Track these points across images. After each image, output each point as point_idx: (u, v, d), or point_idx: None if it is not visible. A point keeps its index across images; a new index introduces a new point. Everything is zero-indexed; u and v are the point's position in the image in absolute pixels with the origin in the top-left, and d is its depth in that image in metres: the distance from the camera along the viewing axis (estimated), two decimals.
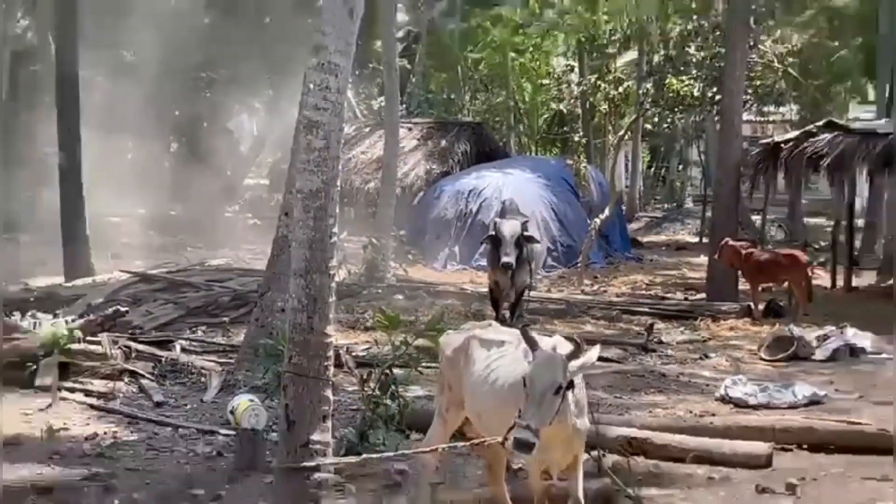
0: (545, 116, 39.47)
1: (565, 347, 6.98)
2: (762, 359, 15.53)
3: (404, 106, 33.92)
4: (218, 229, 29.90)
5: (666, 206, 45.11)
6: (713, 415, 11.67)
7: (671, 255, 30.80)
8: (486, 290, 17.60)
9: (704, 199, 35.48)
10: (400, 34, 35.47)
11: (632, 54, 33.19)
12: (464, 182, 28.13)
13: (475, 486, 8.81)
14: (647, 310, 19.44)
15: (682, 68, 28.71)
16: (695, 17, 28.54)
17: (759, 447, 9.97)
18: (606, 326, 18.25)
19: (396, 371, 10.47)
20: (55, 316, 14.12)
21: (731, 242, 19.29)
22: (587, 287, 23.46)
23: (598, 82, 31.86)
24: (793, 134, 22.60)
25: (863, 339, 15.96)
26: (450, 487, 8.93)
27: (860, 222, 29.08)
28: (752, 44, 25.26)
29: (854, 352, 15.65)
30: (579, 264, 25.48)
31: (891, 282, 23.66)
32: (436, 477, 9.36)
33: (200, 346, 15.22)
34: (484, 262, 19.98)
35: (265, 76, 33.97)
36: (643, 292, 23.03)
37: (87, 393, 12.63)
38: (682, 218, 40.23)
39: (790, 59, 30.79)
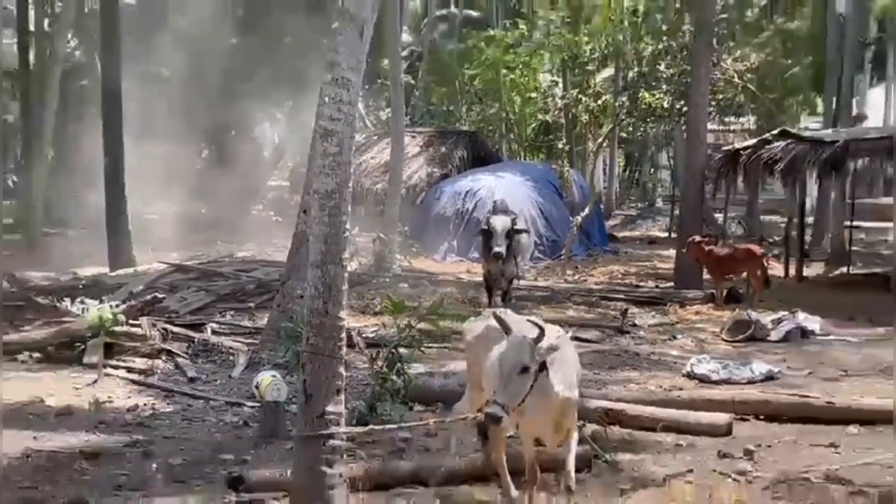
0: (533, 126, 39.33)
1: (551, 332, 6.99)
2: (723, 340, 15.52)
3: (408, 116, 33.84)
4: (244, 225, 29.87)
5: (639, 205, 45.00)
6: (680, 389, 11.65)
7: (644, 248, 30.77)
8: (480, 279, 17.61)
9: (673, 198, 35.45)
10: (404, 53, 35.43)
11: (609, 71, 33.08)
12: (461, 184, 28.11)
13: (472, 452, 8.81)
14: (622, 297, 19.42)
15: (653, 83, 28.69)
16: (665, 38, 28.47)
17: (721, 417, 9.97)
18: (587, 311, 18.24)
19: (402, 350, 10.49)
20: (101, 302, 14.13)
21: (696, 240, 19.28)
22: (570, 277, 23.45)
23: (580, 96, 31.80)
24: (751, 142, 22.57)
25: (812, 322, 15.97)
26: (450, 453, 8.94)
27: (810, 219, 29.07)
28: (715, 62, 25.21)
29: (805, 334, 15.65)
30: (563, 256, 25.48)
31: (836, 272, 23.71)
32: (438, 443, 9.41)
33: (229, 329, 15.24)
34: (478, 255, 19.97)
35: (285, 89, 33.88)
36: (619, 281, 23.01)
37: (129, 370, 12.65)
38: (654, 216, 40.14)
39: (749, 76, 30.71)
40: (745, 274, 19.34)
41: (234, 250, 24.05)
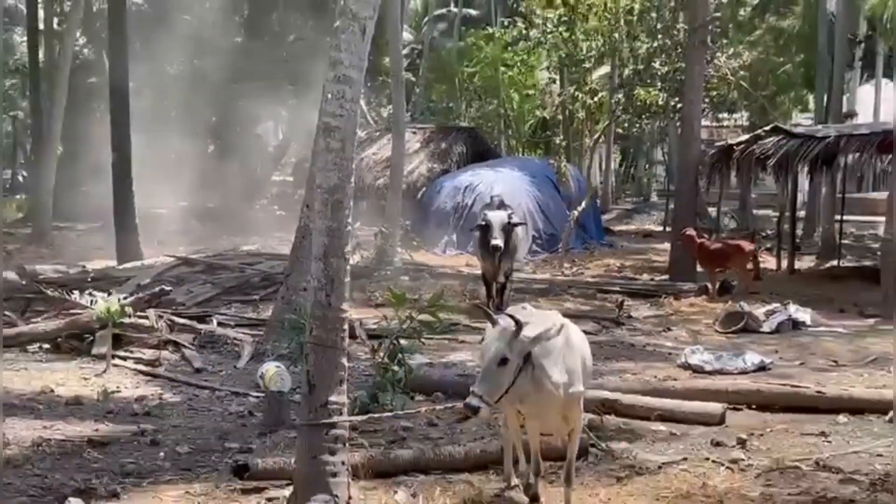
0: (530, 122, 39.31)
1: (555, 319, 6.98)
2: (717, 331, 15.55)
3: (409, 113, 33.84)
4: (249, 220, 29.91)
5: (634, 199, 45.05)
6: (675, 379, 11.65)
7: (639, 241, 30.78)
8: (479, 272, 17.60)
9: (667, 193, 35.45)
10: (405, 51, 35.39)
11: (605, 68, 33.03)
12: (461, 179, 28.12)
13: (470, 440, 8.82)
14: (618, 289, 19.43)
15: (648, 81, 28.61)
16: (659, 37, 28.41)
17: (714, 407, 9.97)
18: (583, 303, 18.26)
19: (403, 342, 10.49)
20: (109, 294, 14.12)
21: (688, 232, 19.30)
22: (567, 269, 23.45)
23: (577, 93, 31.70)
24: (744, 137, 22.59)
25: (804, 314, 15.99)
26: (449, 441, 8.95)
27: (801, 213, 29.08)
28: (708, 60, 25.14)
29: (796, 325, 15.68)
30: (560, 250, 25.49)
31: (827, 265, 23.71)
32: (436, 432, 9.41)
33: (234, 320, 15.25)
34: (476, 250, 19.94)
35: (289, 87, 33.90)
36: (615, 274, 23.02)
37: (137, 360, 12.67)
38: (649, 210, 40.18)
39: (742, 73, 30.65)
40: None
41: (239, 244, 24.06)
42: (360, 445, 8.43)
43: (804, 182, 27.26)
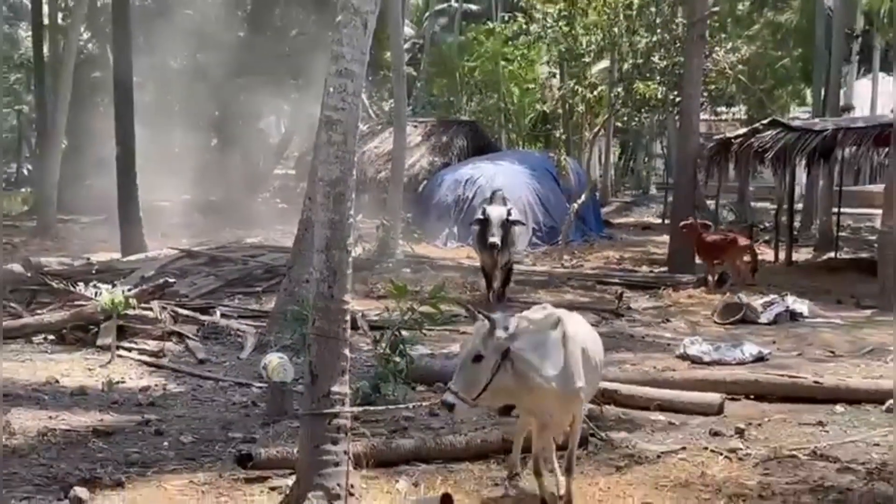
0: (531, 116, 39.26)
1: (574, 319, 7.00)
2: (715, 322, 15.56)
3: (410, 107, 33.78)
4: (252, 212, 29.89)
5: (633, 192, 45.01)
6: (673, 370, 11.67)
7: (638, 234, 30.75)
8: (479, 264, 17.58)
9: (666, 186, 35.41)
10: (407, 46, 35.33)
11: (605, 63, 32.96)
12: (461, 172, 28.10)
13: (471, 430, 8.82)
14: (617, 281, 19.42)
15: (647, 75, 28.61)
16: (658, 31, 28.39)
17: (713, 397, 9.99)
18: (583, 294, 18.25)
19: (404, 333, 10.50)
20: (113, 286, 14.11)
21: (689, 223, 19.32)
22: (567, 261, 23.44)
23: (576, 87, 31.69)
24: (742, 131, 22.56)
25: (801, 305, 16.01)
26: (450, 431, 8.96)
27: (799, 206, 29.08)
28: (707, 54, 25.14)
29: (794, 316, 15.70)
30: (560, 242, 25.49)
31: (824, 257, 23.72)
32: (438, 422, 9.42)
33: (237, 312, 15.24)
34: (475, 244, 19.92)
35: (291, 81, 33.87)
36: (614, 266, 23.00)
37: (141, 352, 12.68)
38: (648, 202, 40.14)
39: (740, 67, 30.63)
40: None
41: (242, 236, 24.05)
42: (362, 435, 8.44)
43: (802, 175, 27.25)
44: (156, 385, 11.16)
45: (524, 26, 33.59)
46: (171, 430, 9.24)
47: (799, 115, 35.45)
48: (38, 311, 14.16)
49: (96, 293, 13.60)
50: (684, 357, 12.53)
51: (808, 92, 36.00)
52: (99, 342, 12.71)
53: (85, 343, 12.90)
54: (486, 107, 38.76)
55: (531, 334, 6.69)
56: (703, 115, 28.66)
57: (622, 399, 9.93)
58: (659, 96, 28.48)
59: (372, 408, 8.71)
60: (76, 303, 13.84)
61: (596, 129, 33.72)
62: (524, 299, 17.13)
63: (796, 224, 26.40)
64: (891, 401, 9.65)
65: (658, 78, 28.38)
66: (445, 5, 45.62)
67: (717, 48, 29.11)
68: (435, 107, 39.99)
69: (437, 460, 8.21)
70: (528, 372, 6.45)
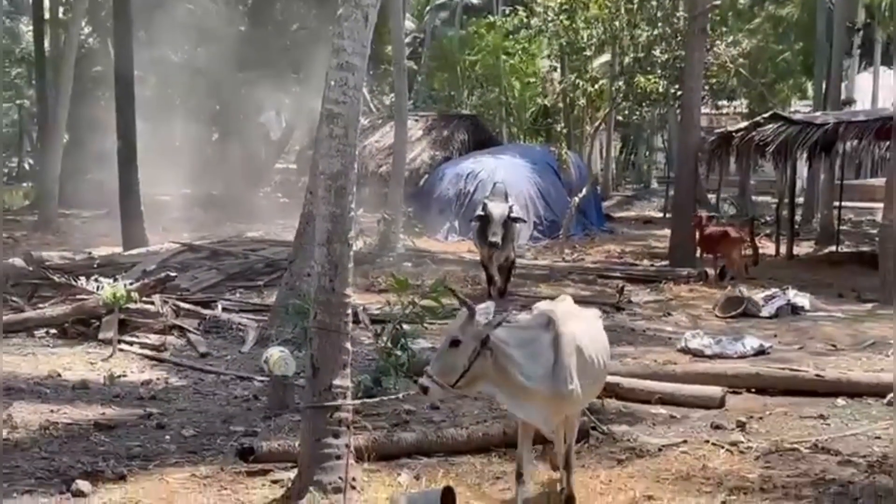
0: (532, 110, 39.22)
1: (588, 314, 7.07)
2: (716, 316, 15.57)
3: (411, 101, 33.74)
4: (253, 206, 29.88)
5: (634, 186, 45.01)
6: (675, 363, 11.67)
7: (639, 228, 30.74)
8: (480, 259, 17.53)
9: (667, 180, 35.39)
10: (408, 40, 35.32)
11: (606, 56, 32.94)
12: (462, 166, 28.09)
13: (473, 423, 8.83)
14: (618, 274, 19.40)
15: (648, 68, 28.57)
16: (659, 24, 28.36)
17: (714, 391, 9.99)
18: (584, 288, 18.23)
19: (405, 326, 10.51)
20: (115, 280, 14.10)
21: (698, 214, 19.42)
22: (568, 255, 23.43)
23: (577, 80, 31.69)
24: (743, 124, 22.56)
25: (802, 298, 16.01)
26: (451, 424, 8.97)
27: (800, 200, 29.06)
28: (708, 47, 25.08)
29: (795, 310, 15.69)
30: (561, 236, 25.48)
31: (825, 251, 23.71)
32: (439, 415, 9.43)
33: (238, 306, 15.24)
34: (475, 239, 19.88)
35: (292, 75, 33.86)
36: (615, 259, 22.99)
37: (143, 345, 12.68)
38: (649, 196, 40.12)
39: (741, 61, 30.60)
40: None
41: (243, 230, 24.05)
42: (363, 428, 8.45)
43: (803, 168, 27.23)
44: (157, 379, 11.17)
45: (525, 20, 33.60)
46: (172, 423, 9.25)
47: (800, 108, 35.42)
48: (40, 305, 14.15)
49: (98, 287, 13.62)
50: (685, 350, 12.53)
51: (810, 85, 35.94)
52: (100, 336, 12.72)
53: (87, 337, 12.91)
54: (487, 101, 38.74)
55: (520, 330, 6.62)
56: (704, 109, 28.68)
57: (623, 392, 9.93)
58: (660, 90, 28.45)
59: (370, 399, 8.70)
60: (78, 297, 13.84)
61: (597, 123, 33.70)
62: (525, 293, 17.15)
63: (797, 218, 26.37)
64: (892, 394, 9.66)
65: (659, 72, 28.35)
66: None
67: (718, 42, 29.07)
68: (436, 101, 39.97)
69: (439, 453, 8.22)
70: (508, 367, 6.30)
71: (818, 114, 24.82)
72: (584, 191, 27.19)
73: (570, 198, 26.82)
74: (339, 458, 7.09)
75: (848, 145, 22.14)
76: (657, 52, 28.37)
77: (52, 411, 9.49)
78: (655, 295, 17.59)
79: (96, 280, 14.22)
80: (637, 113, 34.73)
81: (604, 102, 32.98)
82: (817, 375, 10.56)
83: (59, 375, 11.07)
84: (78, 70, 29.62)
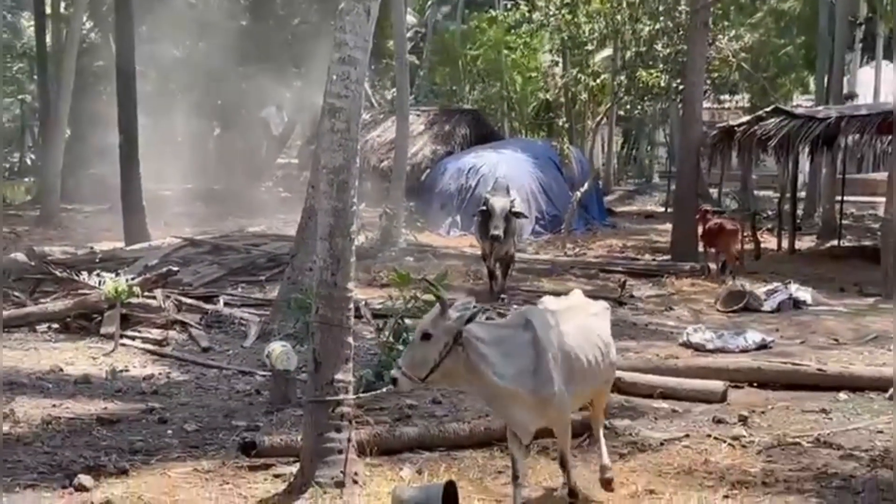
0: (533, 104, 39.18)
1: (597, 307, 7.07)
2: (718, 310, 15.55)
3: (413, 96, 33.72)
4: (254, 201, 29.89)
5: (636, 180, 44.93)
6: (677, 357, 11.68)
7: (641, 222, 30.71)
8: (481, 253, 17.51)
9: (669, 174, 35.36)
10: (409, 34, 35.28)
11: (608, 51, 32.87)
12: (464, 161, 28.07)
13: (475, 417, 8.83)
14: (620, 269, 19.38)
15: (650, 63, 28.53)
16: (661, 19, 28.31)
17: (716, 385, 9.98)
18: (586, 283, 18.19)
19: (407, 321, 10.49)
20: (117, 275, 14.14)
21: (703, 208, 19.42)
22: (570, 250, 23.39)
23: (579, 75, 31.64)
24: (745, 119, 22.51)
25: (804, 293, 15.98)
26: (454, 418, 8.97)
27: (802, 194, 29.02)
28: (710, 42, 25.04)
29: (797, 304, 15.67)
30: (563, 230, 25.43)
31: (827, 245, 23.69)
32: (441, 410, 9.43)
33: (240, 301, 15.24)
34: (477, 234, 19.84)
35: (293, 69, 33.85)
36: (617, 254, 22.97)
37: (145, 340, 12.70)
38: (650, 191, 40.08)
39: (743, 55, 30.57)
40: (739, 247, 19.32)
41: (244, 225, 24.04)
42: (365, 423, 8.45)
43: (805, 163, 27.19)
44: (159, 373, 11.18)
45: (527, 14, 33.50)
46: (174, 418, 9.26)
47: (802, 102, 35.37)
48: (42, 300, 14.18)
49: (100, 282, 13.64)
50: (687, 345, 12.54)
51: (812, 80, 35.91)
52: (102, 331, 12.74)
53: (88, 332, 12.92)
54: (488, 95, 38.71)
55: (495, 328, 6.59)
56: (706, 104, 28.64)
57: (625, 387, 9.93)
58: (662, 84, 28.41)
59: (371, 394, 8.69)
60: (80, 291, 13.85)
61: (599, 118, 33.65)
62: (527, 287, 17.14)
63: (799, 212, 26.31)
64: (894, 388, 9.64)
65: (661, 66, 28.30)
66: None
67: (720, 36, 29.04)
68: (437, 95, 39.95)
69: (441, 448, 8.23)
70: (479, 364, 6.23)
71: (820, 108, 24.79)
72: (585, 185, 27.15)
73: (572, 192, 26.78)
74: (341, 452, 7.09)
75: (850, 139, 22.13)
76: (659, 47, 28.33)
77: (54, 406, 9.50)
78: (657, 289, 17.57)
79: (98, 275, 14.24)
80: (639, 107, 34.63)
81: (605, 97, 32.94)
82: (819, 370, 10.55)
83: (61, 370, 11.09)
84: (79, 65, 29.61)
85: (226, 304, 14.72)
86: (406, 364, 6.23)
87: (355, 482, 7.17)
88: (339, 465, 7.06)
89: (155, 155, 24.38)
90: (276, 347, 9.87)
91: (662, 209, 33.32)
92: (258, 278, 17.16)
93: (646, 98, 30.97)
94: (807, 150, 22.99)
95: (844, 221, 25.40)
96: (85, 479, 7.29)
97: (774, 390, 10.27)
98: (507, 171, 24.39)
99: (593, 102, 34.25)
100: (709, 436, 8.63)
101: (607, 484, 7.14)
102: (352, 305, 7.28)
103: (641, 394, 9.92)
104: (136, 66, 21.81)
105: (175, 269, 14.92)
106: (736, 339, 12.53)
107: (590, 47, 31.24)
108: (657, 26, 28.30)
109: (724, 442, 8.45)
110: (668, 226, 23.58)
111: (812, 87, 36.12)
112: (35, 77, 38.00)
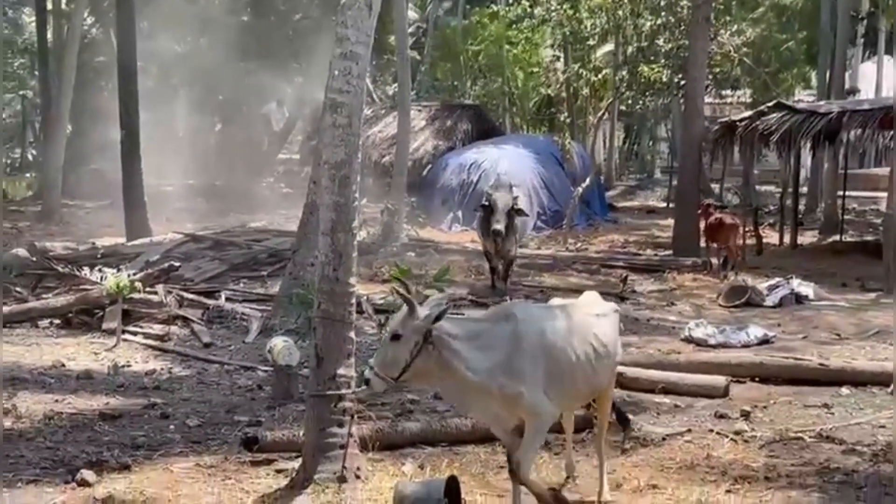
0: (535, 100, 39.11)
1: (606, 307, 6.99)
2: (720, 305, 15.56)
3: (414, 91, 33.71)
4: (256, 197, 29.87)
5: (638, 176, 44.88)
6: (678, 353, 11.68)
7: (642, 217, 30.68)
8: (482, 249, 17.49)
9: (671, 169, 35.33)
10: (411, 29, 35.23)
11: (609, 46, 32.83)
12: (466, 156, 28.04)
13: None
14: (622, 264, 19.39)
15: (652, 58, 28.51)
16: (663, 13, 28.28)
17: (718, 380, 9.99)
18: (587, 278, 18.22)
19: None
20: (118, 270, 14.14)
21: (705, 203, 19.41)
22: (571, 245, 23.39)
23: (581, 70, 31.58)
24: (747, 114, 22.49)
25: (806, 288, 15.98)
26: (456, 414, 8.96)
27: (804, 189, 29.01)
28: (711, 36, 25.01)
29: (799, 299, 15.67)
30: (564, 226, 25.43)
31: (829, 240, 23.68)
32: (443, 405, 9.42)
33: (242, 296, 15.25)
34: (478, 229, 19.80)
35: (295, 65, 33.83)
36: (619, 249, 22.95)
37: (146, 335, 12.71)
38: (652, 186, 40.02)
39: (745, 50, 30.55)
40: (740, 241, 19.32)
41: (246, 221, 24.04)
42: (367, 418, 8.45)
43: (807, 158, 27.19)
44: (161, 369, 11.19)
45: (528, 9, 33.46)
46: (177, 413, 9.26)
47: (804, 97, 35.28)
48: (44, 296, 14.19)
49: (101, 277, 13.65)
50: (689, 340, 12.54)
51: (813, 74, 35.84)
52: (104, 326, 12.75)
53: (90, 327, 12.94)
54: (490, 90, 38.65)
55: (471, 322, 6.51)
56: (707, 99, 28.60)
57: (627, 382, 9.93)
58: (664, 79, 28.39)
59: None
60: (81, 287, 13.87)
61: (600, 113, 33.61)
62: (528, 283, 17.14)
63: (801, 207, 26.30)
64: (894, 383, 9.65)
65: (663, 61, 28.29)
66: None
67: (721, 31, 29.02)
68: (439, 91, 39.90)
69: (443, 443, 8.24)
70: (452, 361, 6.16)
71: (822, 103, 24.74)
72: (587, 181, 27.14)
73: (574, 188, 26.78)
74: (342, 447, 7.10)
75: (852, 134, 22.10)
76: (661, 42, 28.31)
77: (56, 401, 9.51)
78: (659, 284, 17.58)
79: (100, 270, 14.27)
80: (640, 102, 34.59)
81: (607, 92, 32.89)
82: (821, 364, 10.56)
83: (63, 365, 11.10)
84: (81, 60, 29.60)
85: (227, 299, 14.72)
86: (378, 364, 6.20)
87: (357, 477, 7.17)
88: (340, 460, 7.07)
89: (156, 150, 24.35)
90: (278, 343, 9.87)
91: (664, 204, 33.29)
92: (260, 274, 17.16)
93: (647, 93, 30.95)
94: (808, 145, 22.97)
95: (846, 216, 25.39)
96: (87, 475, 7.29)
97: (776, 385, 10.27)
98: (508, 166, 24.40)
99: (595, 98, 34.19)
100: (711, 431, 8.64)
101: None
102: (354, 301, 7.28)
103: (643, 389, 9.93)
104: (138, 62, 21.80)
105: (177, 264, 14.93)
106: (738, 334, 12.53)
107: (591, 42, 31.19)
108: (659, 21, 28.28)
109: (727, 437, 8.45)
110: (670, 221, 23.58)
111: (814, 82, 36.06)
112: (36, 73, 37.97)
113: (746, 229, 20.41)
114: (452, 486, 6.72)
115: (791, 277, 16.29)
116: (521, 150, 27.77)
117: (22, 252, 16.61)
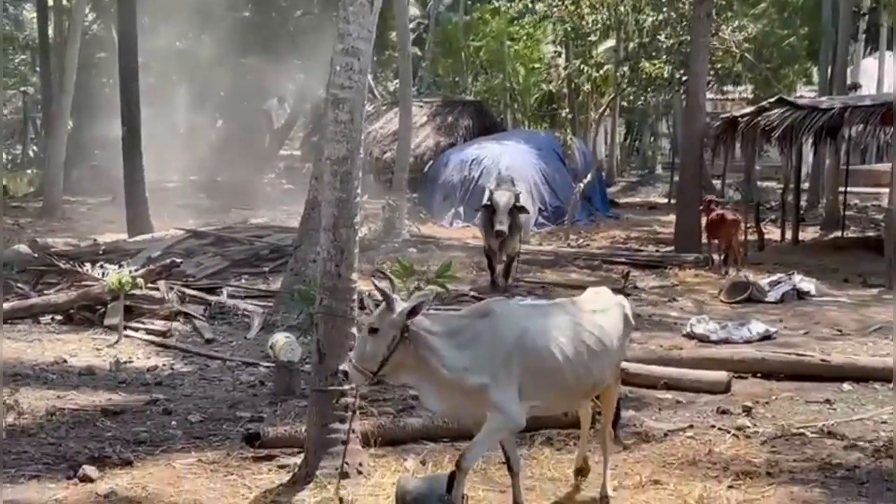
0: (536, 96, 39.12)
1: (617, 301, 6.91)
2: (722, 301, 15.54)
3: (416, 87, 33.74)
4: (257, 193, 29.89)
5: (639, 172, 44.90)
6: (680, 348, 11.68)
7: (644, 213, 30.69)
8: (483, 245, 17.45)
9: (672, 165, 35.32)
10: (412, 25, 35.21)
11: (611, 42, 32.86)
12: (467, 152, 28.05)
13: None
14: (623, 260, 19.38)
15: (653, 54, 28.53)
16: (665, 9, 28.27)
17: (720, 375, 9.98)
18: (589, 274, 18.22)
19: None
20: (120, 266, 14.13)
21: (707, 198, 19.41)
22: (573, 241, 23.41)
23: (582, 66, 31.62)
24: (748, 109, 22.46)
25: (808, 284, 15.97)
26: None
27: (806, 185, 29.00)
28: (713, 32, 25.00)
29: (800, 295, 15.66)
30: (566, 222, 25.44)
31: (830, 236, 23.67)
32: None
33: (244, 292, 15.25)
34: (480, 228, 19.75)
35: (296, 61, 33.82)
36: (621, 245, 22.98)
37: (148, 331, 12.71)
38: (654, 182, 40.04)
39: (746, 46, 30.53)
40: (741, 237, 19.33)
41: (247, 217, 24.05)
42: (369, 414, 8.45)
43: (808, 154, 27.18)
44: (163, 365, 11.19)
45: (529, 5, 33.47)
46: (178, 409, 9.26)
47: (805, 93, 35.28)
48: (46, 292, 14.19)
49: (103, 273, 13.66)
50: (691, 336, 12.53)
51: (815, 70, 35.83)
52: (106, 322, 12.75)
53: (92, 323, 12.95)
54: (491, 86, 38.66)
55: (454, 319, 6.48)
56: (709, 94, 28.58)
57: (629, 378, 9.89)
58: (665, 75, 28.40)
59: (376, 385, 8.70)
60: (83, 283, 13.87)
61: (602, 109, 33.66)
62: (530, 279, 17.14)
63: (803, 203, 26.31)
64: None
65: (664, 57, 28.29)
66: None
67: (723, 26, 28.99)
68: (440, 87, 39.91)
69: (445, 438, 8.22)
70: (428, 357, 6.10)
71: (824, 99, 24.74)
72: (588, 176, 27.15)
73: (575, 184, 26.79)
74: (345, 443, 7.09)
75: (853, 130, 22.09)
76: (662, 37, 28.31)
77: (58, 397, 9.52)
78: (661, 280, 17.57)
79: (101, 266, 14.28)
80: (642, 98, 34.63)
81: (608, 88, 32.94)
82: (823, 360, 10.55)
83: (65, 361, 11.11)
84: (82, 57, 29.59)
85: (229, 295, 14.72)
86: (357, 358, 6.21)
87: (359, 473, 7.17)
88: (342, 455, 7.06)
89: (158, 147, 24.38)
90: (280, 338, 9.87)
91: (665, 200, 33.31)
92: (261, 270, 17.17)
93: (649, 89, 30.98)
94: (810, 140, 22.96)
95: (848, 212, 25.39)
96: (89, 470, 7.30)
97: (778, 381, 10.26)
98: (510, 162, 24.41)
99: (596, 93, 34.24)
100: (713, 426, 8.63)
101: None
102: (355, 296, 7.29)
103: (645, 384, 9.92)
104: (139, 59, 21.80)
105: (178, 260, 14.92)
106: (740, 329, 12.53)
107: (593, 38, 31.21)
108: (660, 17, 28.28)
109: (729, 432, 8.45)
110: (672, 217, 23.56)
111: (815, 77, 36.04)
112: (38, 69, 37.98)
113: (748, 225, 20.39)
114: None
115: (793, 273, 16.27)
116: (523, 146, 27.77)
117: (23, 248, 16.62)
